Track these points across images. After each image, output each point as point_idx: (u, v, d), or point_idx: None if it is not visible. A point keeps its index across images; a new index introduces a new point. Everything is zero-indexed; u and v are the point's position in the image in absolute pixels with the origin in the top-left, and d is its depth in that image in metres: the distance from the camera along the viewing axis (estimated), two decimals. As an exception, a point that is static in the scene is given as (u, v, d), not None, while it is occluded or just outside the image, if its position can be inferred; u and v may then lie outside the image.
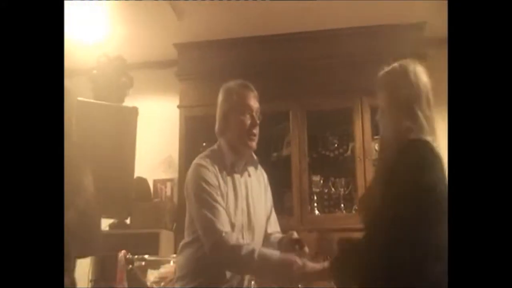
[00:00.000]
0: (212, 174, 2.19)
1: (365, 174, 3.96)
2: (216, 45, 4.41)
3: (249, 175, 2.35)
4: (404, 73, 1.95)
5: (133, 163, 3.41)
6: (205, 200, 2.14)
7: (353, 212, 4.02)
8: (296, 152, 4.11)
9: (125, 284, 2.66)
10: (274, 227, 2.43)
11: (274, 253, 2.10)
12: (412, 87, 1.90)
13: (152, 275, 2.61)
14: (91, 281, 3.07)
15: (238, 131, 2.27)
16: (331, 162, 4.27)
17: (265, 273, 2.10)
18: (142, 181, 4.34)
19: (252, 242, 2.21)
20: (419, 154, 1.74)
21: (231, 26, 4.18)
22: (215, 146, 2.35)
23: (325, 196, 4.18)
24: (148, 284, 2.48)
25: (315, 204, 4.10)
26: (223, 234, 2.08)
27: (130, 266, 2.62)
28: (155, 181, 4.51)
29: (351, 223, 3.86)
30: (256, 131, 2.30)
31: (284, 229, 3.82)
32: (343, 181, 4.11)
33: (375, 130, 4.16)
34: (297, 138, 4.13)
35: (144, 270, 2.52)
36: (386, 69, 2.01)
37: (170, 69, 4.60)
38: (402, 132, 1.83)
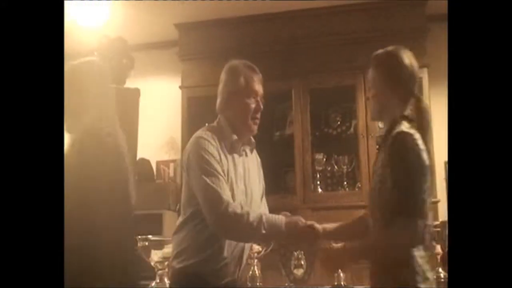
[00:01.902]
0: (214, 147, 2.19)
1: (368, 151, 3.96)
2: (217, 24, 4.39)
3: (246, 155, 2.36)
4: (397, 56, 2.02)
5: (136, 145, 3.40)
6: (208, 170, 2.13)
7: (356, 189, 4.03)
8: (299, 130, 4.10)
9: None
10: (264, 209, 2.44)
11: (280, 217, 2.15)
12: (407, 70, 2.00)
13: (155, 255, 2.64)
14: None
15: (242, 114, 2.28)
16: (334, 140, 4.27)
17: (275, 237, 2.18)
18: (145, 162, 4.35)
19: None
20: (404, 147, 1.87)
21: (232, 6, 4.15)
22: (214, 124, 2.35)
23: (328, 174, 4.19)
24: (152, 264, 2.50)
25: (318, 183, 4.11)
26: (229, 204, 2.08)
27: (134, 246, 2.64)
28: (158, 162, 4.52)
29: (354, 200, 3.88)
30: (259, 115, 2.31)
31: (287, 208, 3.84)
32: (346, 158, 4.11)
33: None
34: (299, 117, 4.12)
35: (147, 251, 2.54)
36: (379, 52, 2.05)
37: (172, 50, 4.59)
38: (389, 117, 1.99)
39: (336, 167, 4.15)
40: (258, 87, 2.31)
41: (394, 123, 1.96)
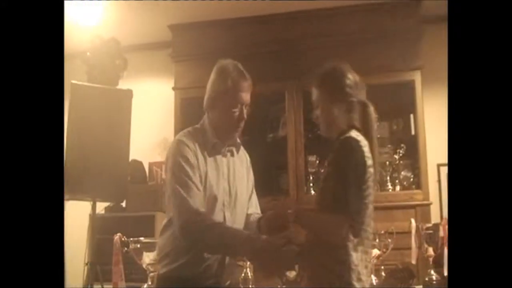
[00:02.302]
0: (191, 152, 2.18)
1: (361, 154, 3.94)
2: (210, 26, 4.38)
3: (232, 155, 2.34)
4: (337, 72, 2.14)
5: (128, 146, 3.39)
6: (181, 177, 2.12)
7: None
8: (292, 132, 4.10)
9: (121, 267, 2.67)
10: (255, 208, 2.42)
11: (241, 232, 2.15)
12: (349, 82, 2.11)
13: (147, 257, 2.62)
14: (86, 264, 3.07)
15: (225, 120, 2.25)
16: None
17: (236, 253, 2.12)
18: (138, 164, 4.34)
19: (228, 222, 2.21)
20: (348, 149, 2.00)
21: (226, 7, 4.14)
22: (198, 125, 2.34)
23: (321, 176, 4.17)
24: (144, 266, 2.49)
25: (311, 184, 4.11)
26: (196, 214, 2.07)
27: (126, 248, 2.63)
28: (150, 164, 4.50)
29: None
30: (242, 124, 2.28)
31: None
32: (339, 161, 4.10)
33: (371, 110, 4.15)
34: (293, 119, 4.12)
35: (139, 253, 2.53)
36: (320, 72, 2.18)
37: (165, 51, 4.57)
38: (338, 129, 2.10)
39: (329, 169, 4.14)
40: (245, 96, 2.26)
41: (342, 133, 2.06)
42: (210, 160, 2.23)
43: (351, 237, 1.94)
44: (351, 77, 2.12)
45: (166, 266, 2.18)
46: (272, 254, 2.00)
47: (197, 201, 2.10)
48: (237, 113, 2.24)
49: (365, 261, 1.98)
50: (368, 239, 2.02)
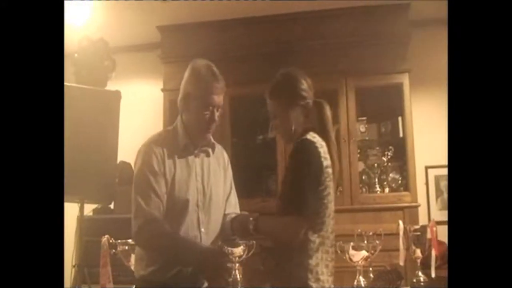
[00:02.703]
0: (158, 159, 2.18)
1: (350, 155, 3.97)
2: (200, 27, 4.37)
3: (207, 155, 2.32)
4: (289, 80, 2.16)
5: (117, 148, 3.37)
6: (141, 186, 2.16)
7: (338, 193, 4.03)
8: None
9: (109, 269, 2.65)
10: (234, 208, 2.39)
11: (198, 246, 2.16)
12: (301, 87, 2.13)
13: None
14: (74, 266, 3.05)
15: (196, 122, 2.24)
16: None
17: (192, 263, 2.13)
18: (126, 165, 4.30)
19: (202, 223, 2.22)
20: (302, 151, 2.03)
21: (215, 8, 4.14)
22: (170, 127, 2.34)
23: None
24: (132, 268, 2.47)
25: (300, 186, 4.10)
26: (150, 221, 2.10)
27: (114, 250, 2.61)
28: (139, 165, 4.48)
29: (336, 204, 3.86)
30: (213, 126, 2.26)
31: (269, 212, 3.83)
32: (328, 163, 4.11)
33: (360, 112, 4.17)
34: (282, 121, 4.11)
35: (127, 255, 2.51)
36: (272, 84, 2.19)
37: (154, 52, 4.56)
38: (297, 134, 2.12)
39: (318, 171, 4.15)
40: (217, 98, 2.23)
41: (300, 136, 2.08)
42: (180, 162, 2.22)
43: (312, 237, 1.97)
44: (304, 81, 2.14)
45: (143, 270, 2.20)
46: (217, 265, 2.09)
47: (155, 210, 2.12)
48: (208, 115, 2.22)
49: (326, 260, 2.01)
50: (329, 239, 2.04)
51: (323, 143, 2.05)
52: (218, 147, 2.38)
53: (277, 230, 2.05)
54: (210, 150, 2.32)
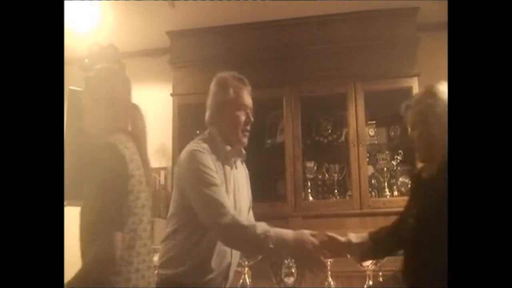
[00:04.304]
0: (210, 159, 2.18)
1: (359, 159, 3.96)
2: (209, 32, 4.39)
3: (236, 167, 2.35)
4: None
5: (126, 152, 3.39)
6: (208, 182, 2.12)
7: (347, 198, 4.04)
8: (290, 138, 4.10)
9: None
10: (253, 220, 2.43)
11: (288, 231, 2.13)
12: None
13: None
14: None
15: (232, 126, 2.28)
16: (325, 148, 4.27)
17: (281, 252, 2.15)
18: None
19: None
20: (104, 156, 1.93)
21: (224, 13, 4.15)
22: (206, 135, 2.33)
23: (319, 182, 4.20)
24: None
25: (309, 190, 4.11)
26: (234, 216, 2.09)
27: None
28: (148, 170, 4.50)
29: (345, 208, 3.88)
30: (249, 127, 2.31)
31: (278, 216, 3.84)
32: (337, 167, 4.11)
33: (369, 116, 4.17)
34: (290, 125, 4.12)
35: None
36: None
37: (163, 57, 4.58)
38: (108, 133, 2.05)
39: (327, 175, 4.16)
40: (248, 100, 2.32)
41: (106, 138, 2.00)
42: (222, 171, 2.24)
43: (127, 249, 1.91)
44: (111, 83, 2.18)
45: (169, 270, 2.19)
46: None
47: (230, 203, 2.14)
48: (243, 117, 2.27)
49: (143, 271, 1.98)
50: (145, 247, 2.01)
51: (131, 143, 2.01)
52: (240, 161, 2.42)
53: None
54: (240, 161, 2.36)
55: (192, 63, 4.38)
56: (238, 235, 2.09)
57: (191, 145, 2.26)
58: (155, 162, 4.51)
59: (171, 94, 4.42)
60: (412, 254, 2.06)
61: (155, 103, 4.64)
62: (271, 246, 2.06)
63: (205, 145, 2.22)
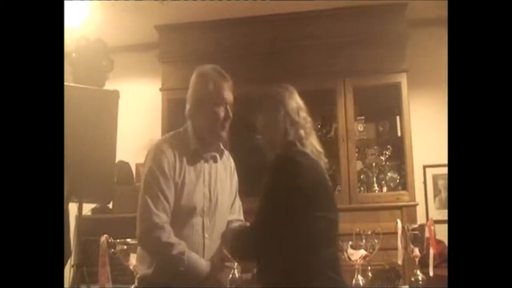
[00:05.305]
0: (169, 162, 2.17)
1: (348, 154, 3.97)
2: (198, 27, 4.38)
3: (215, 161, 2.33)
4: None
5: (115, 147, 3.36)
6: (151, 188, 2.14)
7: (336, 192, 4.04)
8: (280, 134, 4.09)
9: (108, 268, 2.65)
10: (237, 215, 2.42)
11: (203, 264, 2.15)
12: None
13: (134, 259, 2.60)
14: (73, 265, 3.05)
15: (210, 122, 2.24)
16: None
17: (191, 277, 2.13)
18: (124, 165, 4.31)
19: (207, 229, 2.23)
20: None
21: (213, 8, 4.14)
22: (181, 129, 2.32)
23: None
24: (131, 267, 2.47)
25: (299, 185, 4.10)
26: (155, 227, 2.09)
27: (113, 250, 2.61)
28: (137, 165, 4.48)
29: (334, 204, 3.89)
30: (228, 123, 2.27)
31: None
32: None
33: (358, 111, 4.18)
34: (280, 120, 4.11)
35: (126, 254, 2.51)
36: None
37: (152, 52, 4.57)
38: None
39: (316, 170, 4.16)
40: (228, 95, 2.26)
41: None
42: (189, 167, 2.22)
43: None
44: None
45: (145, 270, 2.20)
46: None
47: (162, 212, 2.12)
48: (222, 113, 2.23)
49: None
50: None
51: None
52: (226, 153, 2.39)
53: None
54: (218, 156, 2.32)
55: (181, 58, 4.36)
56: (153, 247, 2.14)
57: (160, 140, 2.29)
58: (143, 157, 4.51)
59: (160, 89, 4.41)
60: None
61: (144, 97, 4.64)
62: (182, 269, 2.09)
63: (169, 144, 2.22)
